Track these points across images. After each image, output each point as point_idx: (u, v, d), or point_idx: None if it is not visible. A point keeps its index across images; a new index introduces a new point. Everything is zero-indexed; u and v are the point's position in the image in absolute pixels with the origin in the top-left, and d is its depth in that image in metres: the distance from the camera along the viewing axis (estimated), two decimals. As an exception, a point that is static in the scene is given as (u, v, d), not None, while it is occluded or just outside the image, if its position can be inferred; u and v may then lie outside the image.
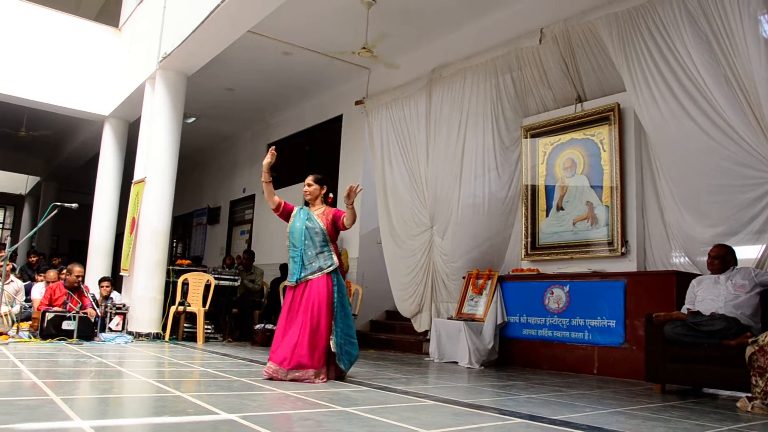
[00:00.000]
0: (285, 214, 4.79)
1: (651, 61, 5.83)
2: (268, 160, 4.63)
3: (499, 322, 6.89)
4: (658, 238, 6.19)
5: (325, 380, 4.28)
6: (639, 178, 6.35)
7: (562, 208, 6.93)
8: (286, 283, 4.68)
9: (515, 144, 7.53)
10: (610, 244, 6.35)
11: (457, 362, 6.69)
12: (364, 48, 7.81)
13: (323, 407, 3.14)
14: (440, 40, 8.48)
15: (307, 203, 4.83)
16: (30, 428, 2.28)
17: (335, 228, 4.65)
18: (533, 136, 7.32)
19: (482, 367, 6.46)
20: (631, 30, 6.02)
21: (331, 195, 4.85)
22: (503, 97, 7.49)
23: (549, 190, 7.11)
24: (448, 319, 7.26)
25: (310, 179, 4.80)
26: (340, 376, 4.53)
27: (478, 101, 7.64)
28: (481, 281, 7.22)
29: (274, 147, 4.78)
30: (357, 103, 9.57)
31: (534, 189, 7.25)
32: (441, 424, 2.84)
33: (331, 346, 4.36)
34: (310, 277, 4.47)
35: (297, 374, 4.20)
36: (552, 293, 6.58)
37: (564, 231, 6.86)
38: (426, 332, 7.88)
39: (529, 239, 7.20)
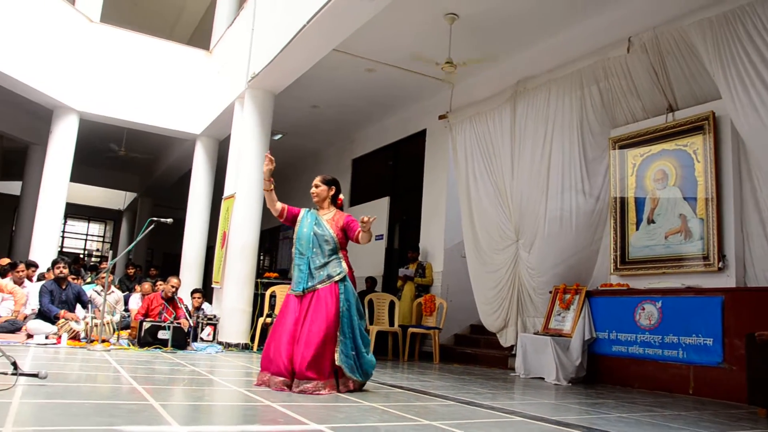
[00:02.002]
0: (290, 219, 4.57)
1: (750, 66, 5.55)
2: (268, 166, 4.40)
3: (587, 338, 6.71)
4: (760, 252, 5.86)
5: (333, 392, 4.08)
6: (737, 190, 6.04)
7: (653, 222, 6.70)
8: (290, 291, 4.43)
9: (603, 156, 7.35)
10: (706, 258, 6.08)
11: (543, 378, 6.56)
12: (447, 63, 7.84)
13: (410, 420, 3.15)
14: (524, 53, 8.41)
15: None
16: (133, 431, 2.41)
17: (346, 236, 4.43)
18: (621, 147, 7.12)
19: (570, 384, 6.30)
20: (727, 34, 5.76)
21: (341, 197, 4.59)
22: (590, 108, 7.33)
23: (639, 203, 6.89)
24: (535, 334, 7.13)
25: (317, 180, 4.57)
26: (357, 388, 4.32)
27: (564, 113, 7.51)
28: (568, 296, 7.06)
29: (270, 152, 4.65)
30: (440, 117, 9.59)
31: (623, 202, 7.04)
32: (529, 441, 2.80)
33: (336, 359, 4.15)
34: (318, 286, 4.26)
35: (307, 386, 4.01)
36: (643, 309, 6.35)
37: (655, 245, 6.62)
38: (511, 347, 7.77)
39: (618, 253, 6.98)
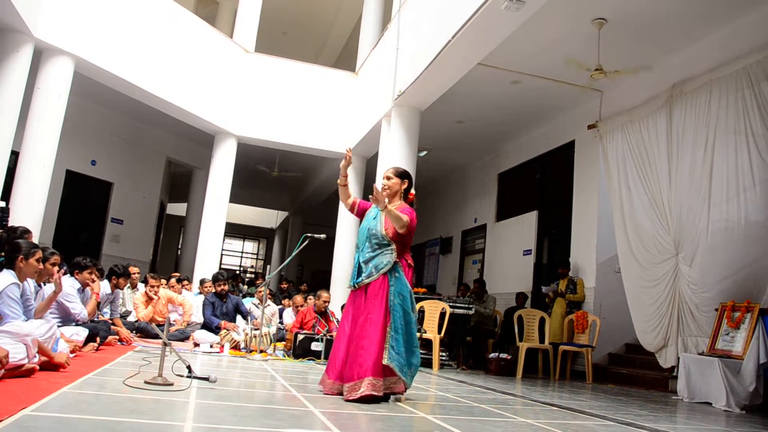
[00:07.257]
0: (360, 212, 4.44)
1: None
2: (345, 162, 4.32)
3: (762, 361, 6.11)
4: None
5: (375, 393, 3.73)
6: None
7: (838, 231, 6.01)
8: (347, 286, 4.34)
9: (776, 160, 6.70)
10: None
11: (710, 403, 6.06)
12: (597, 70, 7.54)
13: (566, 438, 3.02)
14: (679, 53, 7.91)
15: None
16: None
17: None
18: (798, 149, 6.46)
19: (743, 411, 5.76)
20: None
21: (413, 192, 4.32)
22: (760, 107, 6.68)
23: (821, 211, 6.21)
24: (699, 354, 6.62)
25: (389, 172, 4.36)
26: (403, 392, 4.03)
27: (728, 115, 6.95)
28: (738, 314, 6.49)
29: (350, 149, 4.51)
30: (590, 127, 9.23)
31: (801, 210, 6.38)
32: (701, 466, 2.58)
33: (384, 357, 3.82)
34: (366, 281, 4.05)
35: (336, 387, 3.93)
36: (830, 329, 5.70)
37: (842, 257, 5.94)
38: (672, 368, 7.26)
39: (796, 267, 6.33)
